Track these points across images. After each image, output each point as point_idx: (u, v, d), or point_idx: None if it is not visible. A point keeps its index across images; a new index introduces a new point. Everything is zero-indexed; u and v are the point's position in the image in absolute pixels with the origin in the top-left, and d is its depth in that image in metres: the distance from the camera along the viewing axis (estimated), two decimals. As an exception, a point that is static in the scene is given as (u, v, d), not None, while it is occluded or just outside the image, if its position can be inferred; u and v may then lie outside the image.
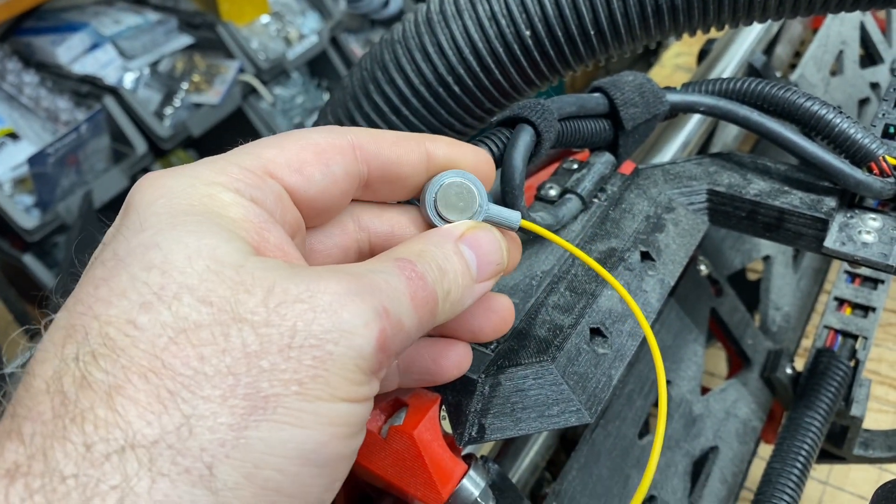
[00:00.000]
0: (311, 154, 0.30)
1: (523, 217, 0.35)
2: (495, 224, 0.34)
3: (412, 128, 0.56)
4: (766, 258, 0.68)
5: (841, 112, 0.47)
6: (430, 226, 0.34)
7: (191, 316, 0.24)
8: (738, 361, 0.61)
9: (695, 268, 0.59)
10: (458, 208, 0.33)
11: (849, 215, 0.47)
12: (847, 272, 0.66)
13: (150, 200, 0.27)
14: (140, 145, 1.66)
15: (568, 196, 0.48)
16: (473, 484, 0.39)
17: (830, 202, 0.47)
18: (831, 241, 0.46)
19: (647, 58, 2.08)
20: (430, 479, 0.37)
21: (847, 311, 0.63)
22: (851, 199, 0.48)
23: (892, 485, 0.37)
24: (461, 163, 0.34)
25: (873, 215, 0.47)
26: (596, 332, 0.40)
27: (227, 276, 0.25)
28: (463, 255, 0.31)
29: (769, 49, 0.93)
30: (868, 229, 0.46)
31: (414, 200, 0.35)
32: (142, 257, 0.25)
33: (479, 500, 0.39)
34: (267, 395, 0.24)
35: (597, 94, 0.48)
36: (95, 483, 0.21)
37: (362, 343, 0.25)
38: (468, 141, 0.40)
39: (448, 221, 0.33)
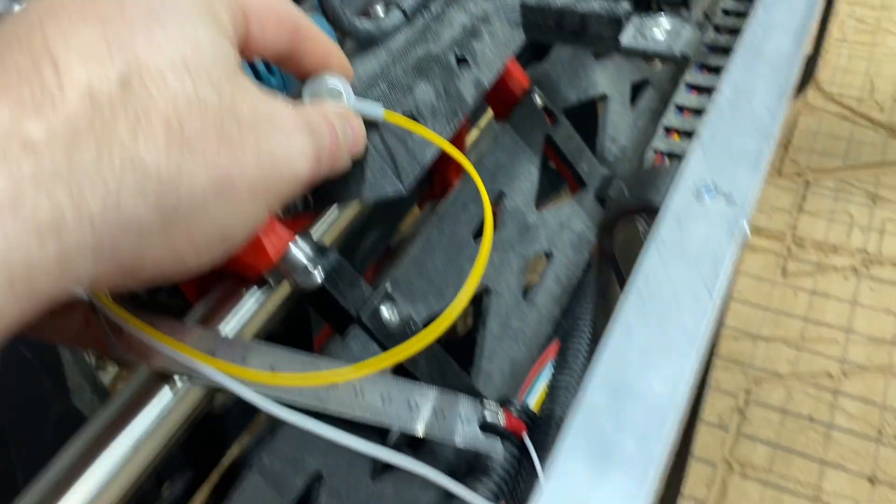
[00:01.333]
0: (273, 13, 0.33)
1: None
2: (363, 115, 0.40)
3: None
4: (603, 97, 0.73)
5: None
6: None
7: (204, 96, 0.27)
8: (575, 185, 0.67)
9: (529, 98, 0.64)
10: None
11: (643, 17, 0.52)
12: (677, 105, 0.72)
13: None
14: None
15: (392, 12, 0.51)
16: (301, 251, 0.43)
17: (625, 5, 0.52)
18: (627, 38, 0.51)
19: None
20: (259, 244, 0.41)
21: (675, 137, 0.69)
22: (647, 4, 0.53)
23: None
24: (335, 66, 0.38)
25: (664, 16, 0.52)
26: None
27: (231, 78, 0.28)
28: (348, 133, 0.37)
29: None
30: (659, 28, 0.51)
31: None
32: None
33: (307, 266, 0.43)
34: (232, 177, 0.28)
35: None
36: None
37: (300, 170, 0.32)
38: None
39: None
